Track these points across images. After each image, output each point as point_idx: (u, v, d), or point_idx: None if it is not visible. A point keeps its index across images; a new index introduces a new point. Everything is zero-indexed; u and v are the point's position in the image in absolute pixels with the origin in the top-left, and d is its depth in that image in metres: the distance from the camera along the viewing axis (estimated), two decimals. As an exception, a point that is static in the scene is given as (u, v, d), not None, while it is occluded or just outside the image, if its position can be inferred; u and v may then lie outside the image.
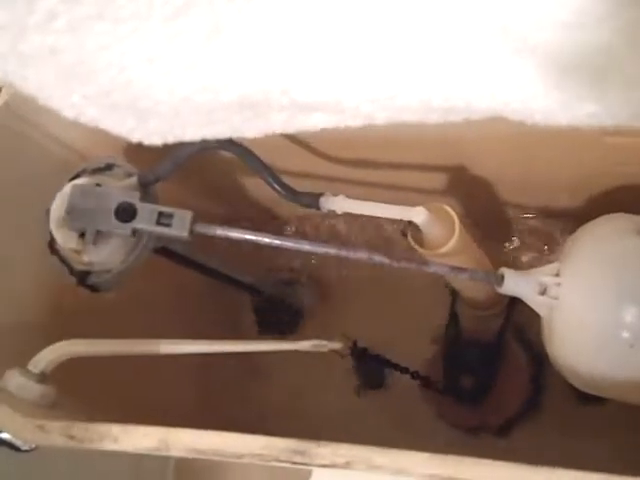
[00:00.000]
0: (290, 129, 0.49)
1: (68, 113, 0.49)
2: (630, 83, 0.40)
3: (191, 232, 0.59)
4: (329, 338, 0.74)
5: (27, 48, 0.42)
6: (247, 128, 0.49)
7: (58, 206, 0.61)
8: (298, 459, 0.51)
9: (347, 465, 0.50)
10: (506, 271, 0.61)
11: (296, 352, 0.73)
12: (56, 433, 0.56)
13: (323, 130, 0.49)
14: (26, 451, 0.58)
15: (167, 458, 1.06)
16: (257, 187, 0.91)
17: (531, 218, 0.92)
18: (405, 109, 0.45)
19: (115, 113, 0.47)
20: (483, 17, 0.38)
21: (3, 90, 0.71)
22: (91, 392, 0.70)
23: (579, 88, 0.40)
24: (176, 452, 0.53)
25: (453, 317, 0.92)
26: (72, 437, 0.55)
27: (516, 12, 0.37)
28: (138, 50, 0.41)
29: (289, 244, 0.60)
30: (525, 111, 0.44)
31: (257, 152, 0.65)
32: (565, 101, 0.42)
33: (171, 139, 0.50)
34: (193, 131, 0.49)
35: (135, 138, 0.50)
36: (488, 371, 0.90)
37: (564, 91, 0.41)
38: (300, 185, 0.65)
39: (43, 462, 0.83)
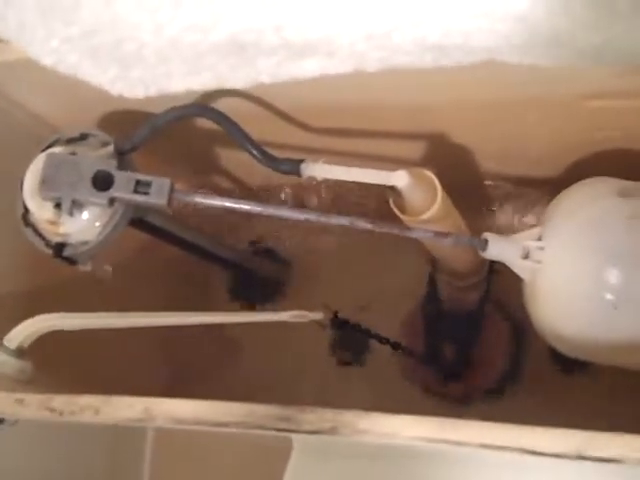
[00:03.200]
0: (278, 77, 0.48)
1: (47, 60, 0.47)
2: (638, 12, 0.39)
3: (169, 200, 0.57)
4: (307, 309, 0.74)
5: None
6: (233, 77, 0.48)
7: (31, 176, 0.60)
8: (283, 425, 0.50)
9: (333, 430, 0.49)
10: (490, 236, 0.61)
11: (273, 324, 0.72)
12: (35, 406, 0.55)
13: (305, 89, 0.48)
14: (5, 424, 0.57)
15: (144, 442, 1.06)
16: (232, 157, 0.90)
17: (511, 186, 0.92)
18: (399, 49, 0.43)
19: (97, 60, 0.46)
20: None
21: (-28, 61, 0.69)
22: (66, 367, 0.69)
23: (586, 18, 0.39)
24: (160, 422, 0.53)
25: (432, 287, 0.91)
26: (52, 410, 0.54)
27: None
28: None
29: (269, 211, 0.59)
30: (524, 46, 0.43)
31: (234, 122, 0.63)
32: (571, 32, 0.40)
33: (154, 90, 0.48)
34: (177, 81, 0.48)
35: (116, 89, 0.49)
36: (469, 341, 0.90)
37: (570, 21, 0.40)
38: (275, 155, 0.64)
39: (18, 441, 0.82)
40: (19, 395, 0.55)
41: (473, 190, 0.92)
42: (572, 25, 0.40)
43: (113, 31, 0.43)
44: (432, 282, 0.91)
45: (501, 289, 0.89)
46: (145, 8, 0.41)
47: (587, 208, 0.62)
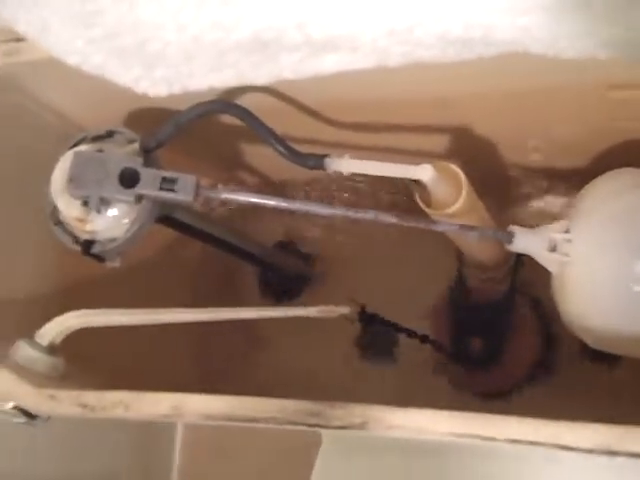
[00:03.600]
0: (300, 73, 0.48)
1: (72, 60, 0.48)
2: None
3: (196, 196, 0.58)
4: (333, 304, 0.74)
5: None
6: (256, 73, 0.48)
7: (59, 174, 0.60)
8: (313, 421, 0.50)
9: (362, 426, 0.49)
10: (516, 229, 0.61)
11: (300, 320, 0.72)
12: (68, 402, 0.55)
13: (328, 83, 0.48)
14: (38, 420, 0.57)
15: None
16: (255, 152, 0.90)
17: (536, 177, 0.91)
18: (421, 43, 0.43)
19: (121, 60, 0.46)
20: None
21: (-1, 60, 0.70)
22: (97, 363, 0.69)
23: (609, 9, 0.39)
24: (189, 418, 0.53)
25: (459, 280, 0.91)
26: (84, 406, 0.55)
27: None
28: None
29: (295, 206, 0.59)
30: (548, 38, 0.42)
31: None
32: (593, 23, 0.40)
33: (178, 88, 0.49)
34: (200, 79, 0.48)
35: (141, 88, 0.49)
36: (497, 333, 0.89)
37: (593, 13, 0.39)
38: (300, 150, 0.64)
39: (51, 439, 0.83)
40: (51, 391, 0.56)
41: (498, 182, 0.91)
42: (595, 17, 0.40)
43: (136, 32, 0.43)
44: (459, 275, 0.91)
45: (529, 281, 0.88)
46: (168, 9, 0.41)
47: (614, 200, 0.61)
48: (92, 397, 0.55)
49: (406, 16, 0.41)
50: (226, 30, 0.42)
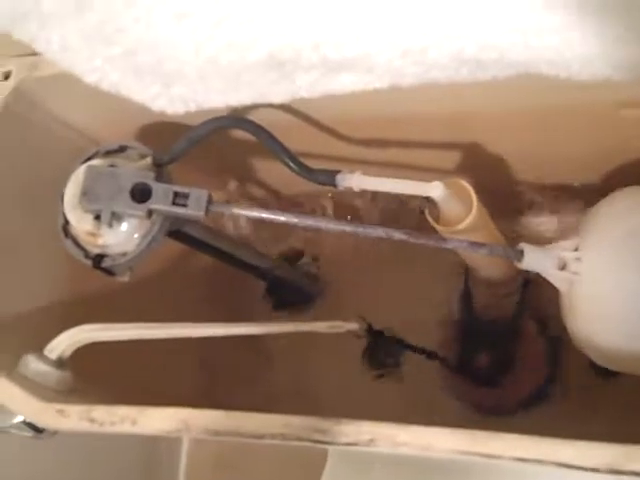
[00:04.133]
0: (316, 92, 0.48)
1: (90, 78, 0.48)
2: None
3: (207, 212, 0.58)
4: (339, 319, 0.74)
5: (52, 6, 0.41)
6: (272, 92, 0.48)
7: (72, 188, 0.61)
8: (319, 437, 0.50)
9: (370, 442, 0.49)
10: (526, 246, 0.60)
11: (308, 335, 0.72)
12: (76, 417, 0.55)
13: (341, 101, 0.48)
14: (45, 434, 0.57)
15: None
16: (266, 167, 0.91)
17: (547, 194, 0.91)
18: (436, 64, 0.44)
19: (139, 78, 0.46)
20: None
21: (12, 75, 0.71)
22: (105, 377, 0.69)
23: (620, 31, 0.39)
24: (196, 433, 0.53)
25: (467, 296, 0.91)
26: (93, 420, 0.55)
27: None
28: (165, 6, 0.40)
29: (306, 222, 0.59)
30: (560, 60, 0.43)
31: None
32: (605, 46, 0.40)
33: (194, 106, 0.49)
34: (217, 97, 0.48)
35: (158, 106, 0.49)
36: (504, 350, 0.89)
37: (603, 35, 0.39)
38: (312, 166, 0.65)
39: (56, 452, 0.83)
40: (60, 406, 0.56)
41: (509, 199, 0.91)
42: (606, 40, 0.40)
43: (154, 51, 0.43)
44: (467, 291, 0.91)
45: (537, 298, 0.88)
46: (184, 29, 0.42)
47: (624, 219, 0.61)
48: (100, 412, 0.55)
49: (421, 37, 0.42)
50: (242, 50, 0.43)
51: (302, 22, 0.41)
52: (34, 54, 0.66)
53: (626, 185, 0.65)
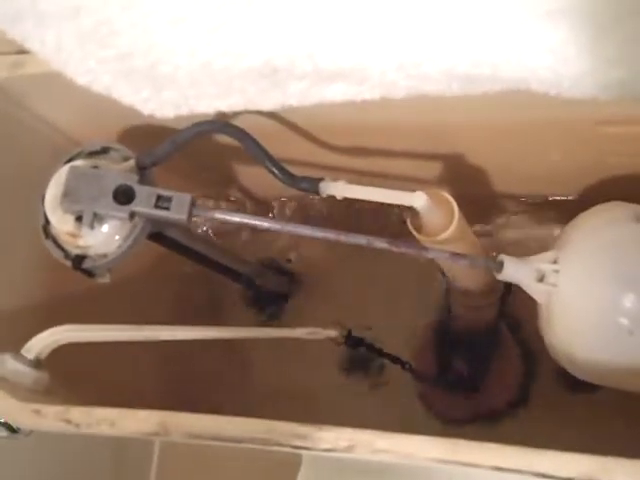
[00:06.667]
0: (306, 101, 0.48)
1: (82, 79, 0.48)
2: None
3: (190, 215, 0.58)
4: (313, 325, 0.74)
5: (48, 6, 0.41)
6: (262, 100, 0.48)
7: (53, 188, 0.61)
8: (300, 443, 0.50)
9: (349, 449, 0.49)
10: (506, 258, 0.61)
11: (286, 340, 0.72)
12: (52, 417, 0.55)
13: (328, 109, 0.48)
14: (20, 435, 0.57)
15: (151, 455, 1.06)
16: (248, 172, 0.91)
17: (527, 207, 0.92)
18: (428, 78, 0.44)
19: (130, 81, 0.46)
20: None
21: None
22: (82, 378, 0.69)
23: (612, 51, 0.40)
24: (175, 436, 0.53)
25: (445, 307, 0.91)
26: (69, 421, 0.54)
27: None
28: (162, 11, 0.40)
29: (288, 228, 0.59)
30: (552, 78, 0.43)
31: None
32: (596, 66, 0.41)
33: (184, 111, 0.49)
34: (207, 103, 0.49)
35: (148, 109, 0.49)
36: (482, 361, 0.90)
37: (596, 55, 0.40)
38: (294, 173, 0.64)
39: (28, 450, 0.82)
40: (36, 406, 0.56)
41: (489, 210, 0.92)
42: (599, 59, 0.41)
43: (149, 54, 0.43)
44: (445, 301, 0.91)
45: (516, 309, 0.89)
46: (181, 34, 0.42)
47: (603, 232, 0.62)
48: (77, 413, 0.55)
49: (417, 51, 0.42)
50: (237, 56, 0.43)
51: (298, 31, 0.41)
52: (18, 52, 0.66)
53: (604, 200, 0.66)
